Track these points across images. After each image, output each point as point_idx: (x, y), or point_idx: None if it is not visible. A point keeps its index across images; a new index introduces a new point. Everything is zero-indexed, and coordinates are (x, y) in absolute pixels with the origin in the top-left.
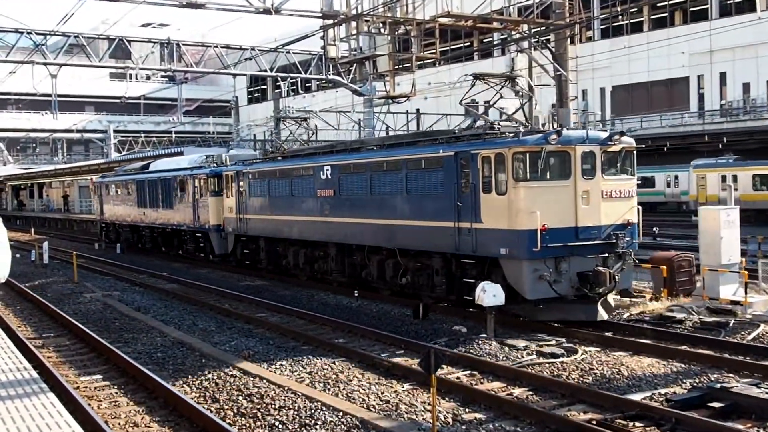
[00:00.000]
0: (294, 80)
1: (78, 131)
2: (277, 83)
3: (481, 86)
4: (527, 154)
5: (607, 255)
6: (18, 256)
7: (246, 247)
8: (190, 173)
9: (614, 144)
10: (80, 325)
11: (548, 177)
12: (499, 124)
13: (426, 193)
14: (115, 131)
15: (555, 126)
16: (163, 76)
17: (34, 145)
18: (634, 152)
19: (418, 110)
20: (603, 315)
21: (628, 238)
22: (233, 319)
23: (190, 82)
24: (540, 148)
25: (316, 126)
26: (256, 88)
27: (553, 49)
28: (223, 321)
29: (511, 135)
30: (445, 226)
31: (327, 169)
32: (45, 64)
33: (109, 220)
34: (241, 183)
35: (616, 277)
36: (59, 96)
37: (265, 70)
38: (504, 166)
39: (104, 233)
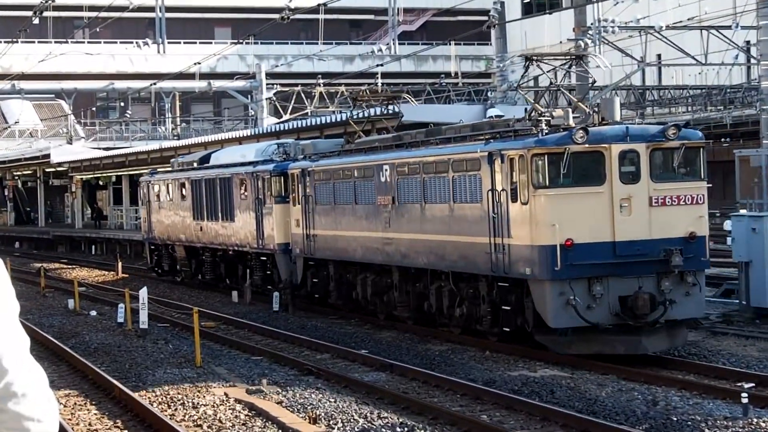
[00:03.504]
0: None
1: (202, 76)
2: None
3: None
4: (547, 156)
5: (659, 275)
6: (94, 314)
7: (317, 274)
8: (252, 169)
9: (668, 140)
10: None
11: (575, 183)
12: (551, 116)
13: (468, 202)
14: (271, 75)
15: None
16: None
17: (122, 104)
18: (702, 149)
19: None
20: (650, 348)
21: (690, 255)
22: None
23: None
24: (563, 148)
25: (658, 59)
26: None
27: None
28: None
29: (546, 131)
30: (482, 242)
31: (386, 170)
32: None
33: (159, 239)
34: (308, 185)
35: (667, 303)
36: (169, 10)
37: None
38: (526, 169)
39: (155, 260)
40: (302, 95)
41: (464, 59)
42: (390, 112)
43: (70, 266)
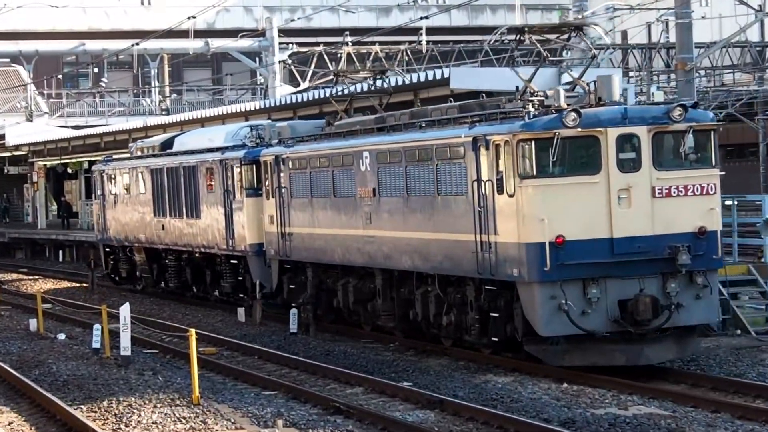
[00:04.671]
0: None
1: (197, 34)
2: None
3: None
4: (534, 142)
5: (664, 276)
6: (62, 338)
7: (294, 279)
8: (220, 156)
9: (674, 123)
10: None
11: (566, 172)
12: (544, 96)
13: (452, 194)
14: (285, 32)
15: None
16: None
17: (96, 70)
18: (712, 132)
19: None
20: (654, 358)
21: (700, 253)
22: None
23: None
24: (552, 133)
25: None
26: None
27: None
28: None
29: (533, 114)
30: (467, 240)
31: (366, 157)
32: None
33: (116, 239)
34: (282, 175)
35: (673, 307)
36: None
37: None
38: (511, 157)
39: (111, 266)
40: (325, 57)
41: (532, 10)
42: (378, 88)
43: (31, 277)
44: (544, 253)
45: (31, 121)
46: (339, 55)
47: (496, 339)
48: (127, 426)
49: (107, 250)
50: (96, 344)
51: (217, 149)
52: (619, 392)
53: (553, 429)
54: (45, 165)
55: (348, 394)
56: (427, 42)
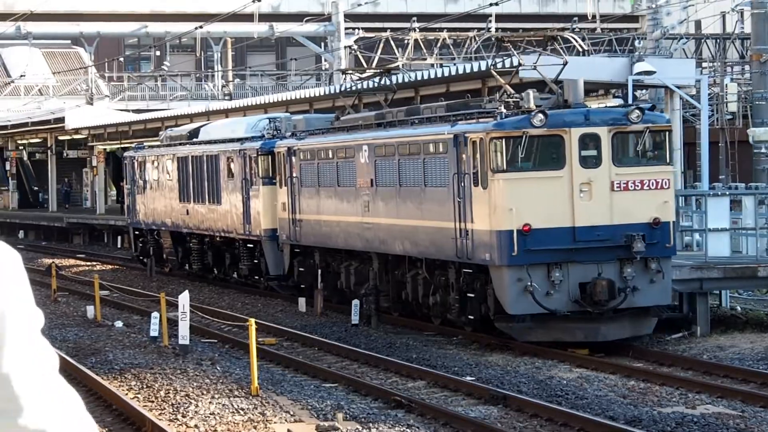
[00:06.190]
0: None
1: (261, 18)
2: None
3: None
4: (504, 140)
5: (621, 262)
6: (119, 326)
7: (304, 263)
8: (239, 147)
9: (632, 124)
10: None
11: (534, 167)
12: (520, 97)
13: (437, 186)
14: (351, 17)
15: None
16: None
17: (158, 53)
18: (667, 132)
19: None
20: (610, 336)
21: (654, 242)
22: None
23: None
24: (521, 132)
25: None
26: None
27: None
28: None
29: (505, 114)
30: (448, 228)
31: (365, 150)
32: None
33: (144, 223)
34: (293, 165)
35: (628, 290)
36: None
37: None
38: (485, 153)
39: (140, 248)
40: (392, 43)
41: None
42: (383, 85)
43: (89, 263)
44: (512, 239)
45: (92, 104)
46: (406, 42)
47: (472, 317)
48: (184, 416)
49: (136, 233)
50: (154, 332)
51: (238, 140)
52: (687, 391)
53: (619, 427)
54: (105, 149)
55: (410, 388)
56: (496, 29)
